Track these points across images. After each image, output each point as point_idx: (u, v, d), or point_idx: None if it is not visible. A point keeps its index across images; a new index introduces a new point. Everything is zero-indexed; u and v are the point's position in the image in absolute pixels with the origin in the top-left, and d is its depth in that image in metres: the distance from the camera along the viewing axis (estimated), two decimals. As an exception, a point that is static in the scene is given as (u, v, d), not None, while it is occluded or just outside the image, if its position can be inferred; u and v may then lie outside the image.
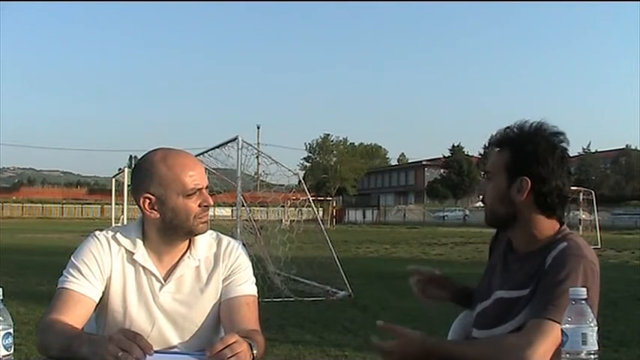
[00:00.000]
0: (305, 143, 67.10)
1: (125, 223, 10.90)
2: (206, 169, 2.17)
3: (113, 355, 1.45)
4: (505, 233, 1.86)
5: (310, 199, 10.65)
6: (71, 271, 1.79)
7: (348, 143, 70.07)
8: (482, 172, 1.87)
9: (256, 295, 1.89)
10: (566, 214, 1.80)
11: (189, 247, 1.88)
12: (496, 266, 1.86)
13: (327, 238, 9.50)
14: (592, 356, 1.34)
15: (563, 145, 1.76)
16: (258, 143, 40.85)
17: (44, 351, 1.67)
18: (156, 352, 1.54)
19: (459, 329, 2.02)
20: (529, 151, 1.72)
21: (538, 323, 1.56)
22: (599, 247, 18.78)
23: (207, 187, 1.83)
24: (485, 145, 1.85)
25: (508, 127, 1.78)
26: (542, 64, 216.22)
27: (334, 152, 65.64)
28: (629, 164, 55.51)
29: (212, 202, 1.83)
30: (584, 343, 1.33)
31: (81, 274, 1.78)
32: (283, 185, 10.72)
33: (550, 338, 1.53)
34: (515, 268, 1.76)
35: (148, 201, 1.78)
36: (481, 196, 1.84)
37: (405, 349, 1.62)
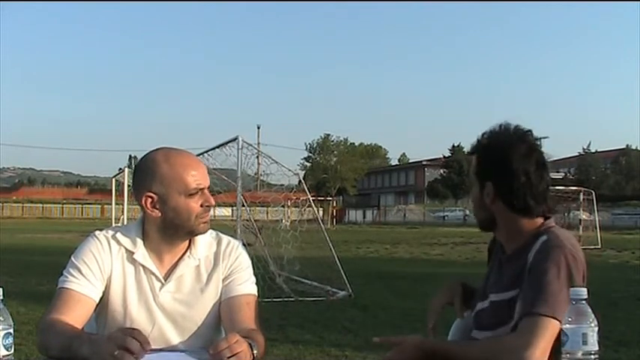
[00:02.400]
0: (305, 143, 67.33)
1: (125, 223, 10.90)
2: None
3: (111, 353, 1.45)
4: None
5: (310, 199, 10.65)
6: (71, 270, 1.79)
7: (348, 143, 70.13)
8: None
9: (256, 294, 1.89)
10: (565, 213, 1.81)
11: (189, 246, 1.87)
12: (492, 268, 1.89)
13: (327, 238, 9.50)
14: (592, 356, 1.35)
15: (527, 141, 1.75)
16: (259, 143, 40.87)
17: (44, 351, 1.67)
18: (156, 350, 1.54)
19: (459, 329, 2.02)
20: (489, 156, 1.78)
21: (532, 321, 1.56)
22: (599, 247, 18.76)
23: (208, 188, 1.83)
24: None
25: (482, 134, 1.83)
26: (542, 64, 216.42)
27: (334, 152, 65.68)
28: (629, 164, 55.45)
29: (214, 203, 1.83)
30: (585, 343, 1.34)
31: (81, 273, 1.78)
32: (283, 185, 10.73)
33: (547, 334, 1.53)
34: (505, 269, 1.79)
35: (149, 200, 1.78)
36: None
37: (405, 354, 1.62)
